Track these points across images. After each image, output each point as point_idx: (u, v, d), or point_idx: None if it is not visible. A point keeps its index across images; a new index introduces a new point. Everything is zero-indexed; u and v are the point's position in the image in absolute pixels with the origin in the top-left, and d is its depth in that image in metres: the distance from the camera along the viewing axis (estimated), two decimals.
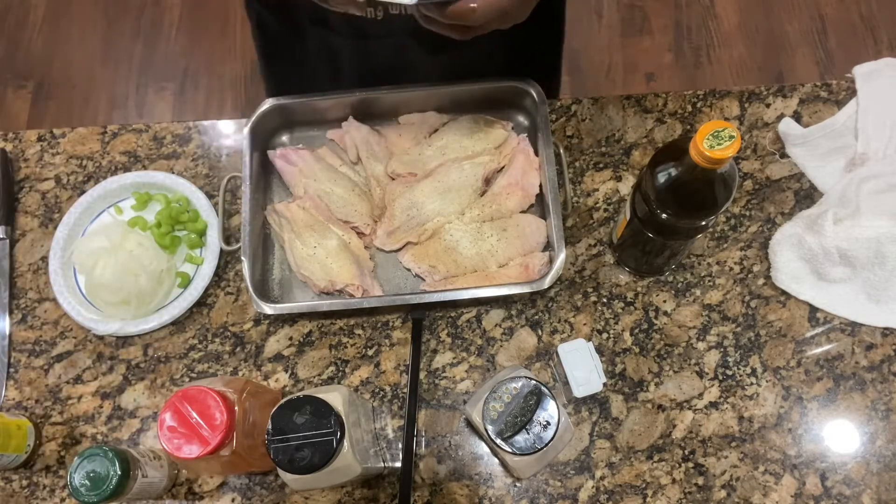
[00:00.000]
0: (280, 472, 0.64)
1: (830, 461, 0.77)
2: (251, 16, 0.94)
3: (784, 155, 0.90)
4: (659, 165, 0.68)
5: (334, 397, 0.65)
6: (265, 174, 0.90)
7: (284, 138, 0.93)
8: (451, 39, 0.84)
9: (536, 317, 0.84)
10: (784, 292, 0.84)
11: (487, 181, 0.88)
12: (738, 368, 0.81)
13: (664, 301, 0.84)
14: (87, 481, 0.67)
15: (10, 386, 0.84)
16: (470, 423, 0.78)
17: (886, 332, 0.82)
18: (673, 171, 0.66)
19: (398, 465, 0.78)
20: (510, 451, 0.67)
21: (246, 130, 0.86)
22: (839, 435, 0.78)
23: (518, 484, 0.78)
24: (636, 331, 0.83)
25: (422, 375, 0.81)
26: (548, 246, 0.85)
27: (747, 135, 0.91)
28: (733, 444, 0.78)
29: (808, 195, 0.88)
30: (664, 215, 0.69)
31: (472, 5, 0.61)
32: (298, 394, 0.65)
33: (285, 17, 0.92)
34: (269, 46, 1.00)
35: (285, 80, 1.02)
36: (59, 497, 0.79)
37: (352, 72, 0.95)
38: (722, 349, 0.82)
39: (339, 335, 0.84)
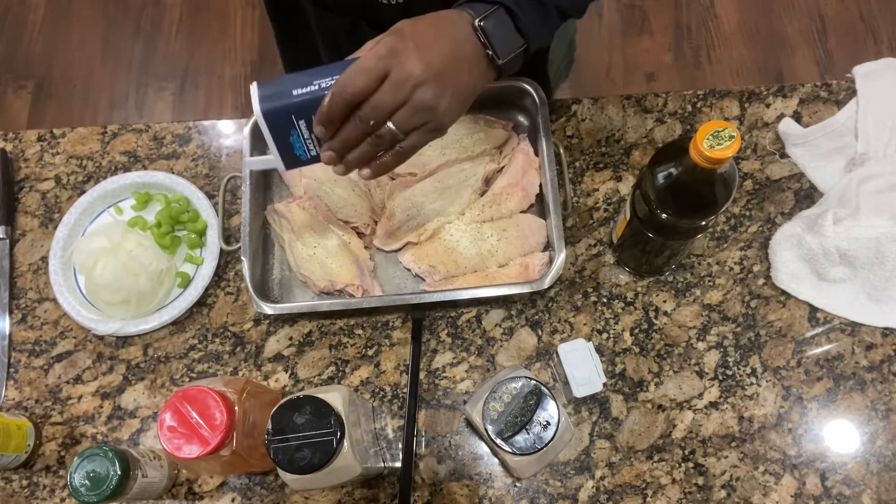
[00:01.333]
0: (280, 472, 0.64)
1: (830, 461, 0.77)
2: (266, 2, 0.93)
3: (784, 155, 0.90)
4: (659, 165, 0.68)
5: (334, 397, 0.65)
6: (265, 174, 0.90)
7: None
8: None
9: (536, 317, 0.84)
10: (784, 292, 0.84)
11: (487, 181, 0.88)
12: (738, 368, 0.81)
13: (664, 301, 0.84)
14: (87, 481, 0.67)
15: (10, 386, 0.84)
16: (470, 423, 0.78)
17: (886, 332, 0.82)
18: (673, 171, 0.66)
19: (398, 465, 0.78)
20: (510, 451, 0.67)
21: (246, 130, 0.86)
22: (839, 435, 0.78)
23: (518, 484, 0.78)
24: (636, 331, 0.83)
25: (422, 375, 0.81)
26: (548, 246, 0.85)
27: (747, 135, 0.91)
28: (733, 444, 0.78)
29: (808, 195, 0.88)
30: (664, 215, 0.69)
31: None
32: (298, 394, 0.65)
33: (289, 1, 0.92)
34: (281, 30, 1.01)
35: (297, 63, 1.03)
36: (59, 497, 0.79)
37: (349, 50, 0.94)
38: (722, 349, 0.82)
39: (339, 335, 0.84)
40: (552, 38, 0.75)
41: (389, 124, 0.61)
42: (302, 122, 0.64)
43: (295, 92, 0.62)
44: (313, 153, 0.67)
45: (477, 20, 0.63)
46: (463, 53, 0.63)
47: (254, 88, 0.63)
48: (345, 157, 0.65)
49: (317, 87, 0.62)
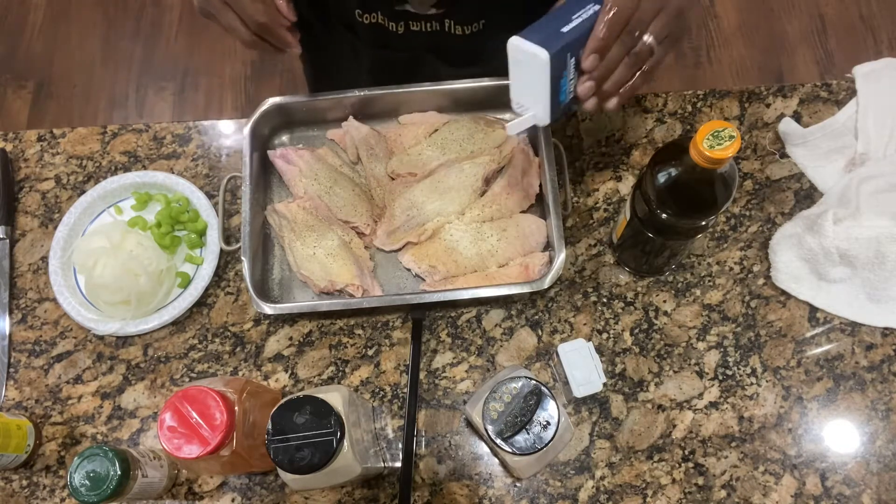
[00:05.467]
0: (280, 472, 0.64)
1: (830, 461, 0.77)
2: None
3: (784, 155, 0.90)
4: (659, 165, 0.68)
5: (334, 397, 0.65)
6: (265, 174, 0.90)
7: (284, 138, 0.93)
8: (469, 52, 0.83)
9: (536, 317, 0.84)
10: (784, 292, 0.84)
11: (487, 181, 0.88)
12: (738, 368, 0.81)
13: (664, 301, 0.84)
14: (87, 481, 0.67)
15: (10, 386, 0.84)
16: (470, 423, 0.78)
17: (886, 332, 0.82)
18: (673, 171, 0.66)
19: (398, 465, 0.78)
20: (510, 451, 0.67)
21: (246, 130, 0.86)
22: (839, 435, 0.78)
23: (518, 484, 0.78)
24: (636, 331, 0.83)
25: (422, 375, 0.81)
26: (548, 246, 0.85)
27: (747, 135, 0.91)
28: (733, 444, 0.78)
29: (808, 195, 0.88)
30: (664, 215, 0.69)
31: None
32: (298, 394, 0.65)
33: (320, 16, 0.93)
34: (310, 43, 1.02)
35: (324, 72, 1.06)
36: (59, 497, 0.79)
37: (371, 77, 0.97)
38: (722, 349, 0.82)
39: (339, 335, 0.84)
40: None
41: (647, 37, 0.61)
42: (572, 60, 0.62)
43: (564, 29, 0.60)
44: (571, 94, 0.65)
45: None
46: None
47: (519, 41, 0.60)
48: (600, 88, 0.64)
49: (579, 19, 0.61)
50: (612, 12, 0.59)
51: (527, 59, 0.60)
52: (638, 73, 0.64)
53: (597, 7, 0.61)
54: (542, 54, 0.59)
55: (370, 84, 0.90)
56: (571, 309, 0.84)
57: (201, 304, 0.86)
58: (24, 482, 0.80)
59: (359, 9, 0.85)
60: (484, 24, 0.85)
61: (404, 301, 0.81)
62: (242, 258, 0.81)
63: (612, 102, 0.65)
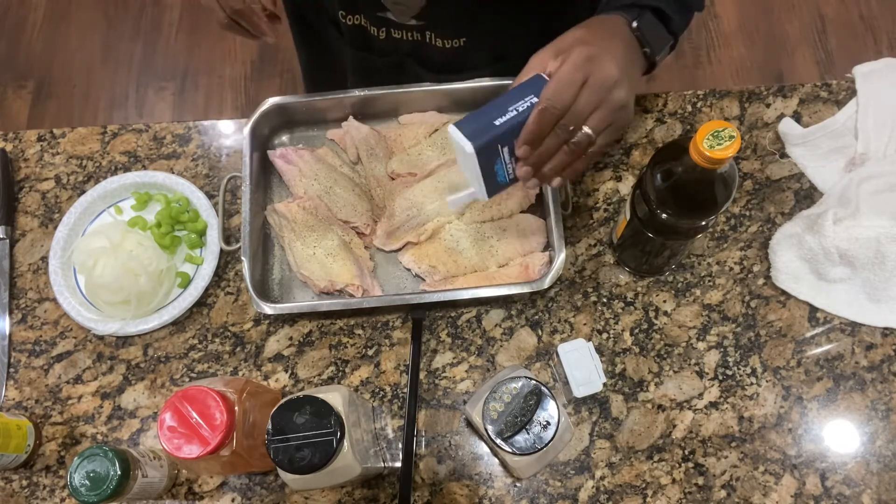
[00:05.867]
0: (280, 472, 0.64)
1: (830, 461, 0.77)
2: (286, 6, 0.96)
3: (784, 155, 0.90)
4: (659, 165, 0.68)
5: (334, 397, 0.65)
6: (265, 174, 0.90)
7: (284, 138, 0.93)
8: (450, 63, 0.84)
9: (536, 317, 0.84)
10: (784, 292, 0.84)
11: None
12: (738, 368, 0.81)
13: (664, 301, 0.84)
14: (87, 481, 0.67)
15: (10, 386, 0.84)
16: (470, 423, 0.78)
17: (886, 332, 0.82)
18: (673, 171, 0.66)
19: (398, 465, 0.78)
20: (510, 451, 0.67)
21: (246, 130, 0.86)
22: (839, 435, 0.78)
23: (518, 484, 0.78)
24: (636, 331, 0.83)
25: (422, 375, 0.81)
26: (548, 246, 0.85)
27: (747, 135, 0.91)
28: (733, 444, 0.78)
29: (808, 195, 0.88)
30: (664, 215, 0.69)
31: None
32: (298, 394, 0.65)
33: (313, 8, 0.95)
34: (305, 35, 1.04)
35: (316, 64, 1.08)
36: (59, 497, 0.79)
37: (354, 79, 0.99)
38: (722, 349, 0.82)
39: (339, 335, 0.84)
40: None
41: (586, 129, 0.62)
42: (505, 149, 0.65)
43: (497, 121, 0.63)
44: (511, 176, 0.68)
45: (633, 22, 0.67)
46: (633, 52, 0.67)
47: (454, 131, 0.63)
48: (539, 171, 0.65)
49: (515, 111, 0.63)
50: (544, 106, 0.61)
51: (459, 147, 0.64)
52: (579, 159, 0.65)
53: (535, 99, 0.63)
54: (468, 147, 0.63)
55: (356, 83, 0.90)
56: (571, 309, 0.84)
57: (201, 304, 0.86)
58: (24, 482, 0.80)
59: (342, 10, 0.86)
60: (464, 42, 0.86)
61: (404, 301, 0.81)
62: (242, 258, 0.81)
63: (556, 182, 0.66)
